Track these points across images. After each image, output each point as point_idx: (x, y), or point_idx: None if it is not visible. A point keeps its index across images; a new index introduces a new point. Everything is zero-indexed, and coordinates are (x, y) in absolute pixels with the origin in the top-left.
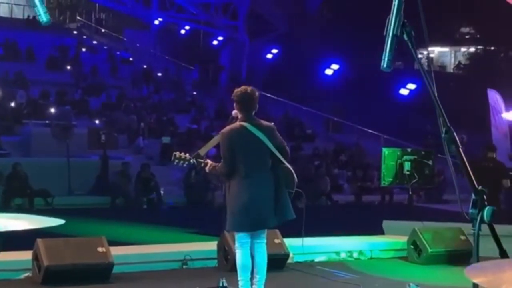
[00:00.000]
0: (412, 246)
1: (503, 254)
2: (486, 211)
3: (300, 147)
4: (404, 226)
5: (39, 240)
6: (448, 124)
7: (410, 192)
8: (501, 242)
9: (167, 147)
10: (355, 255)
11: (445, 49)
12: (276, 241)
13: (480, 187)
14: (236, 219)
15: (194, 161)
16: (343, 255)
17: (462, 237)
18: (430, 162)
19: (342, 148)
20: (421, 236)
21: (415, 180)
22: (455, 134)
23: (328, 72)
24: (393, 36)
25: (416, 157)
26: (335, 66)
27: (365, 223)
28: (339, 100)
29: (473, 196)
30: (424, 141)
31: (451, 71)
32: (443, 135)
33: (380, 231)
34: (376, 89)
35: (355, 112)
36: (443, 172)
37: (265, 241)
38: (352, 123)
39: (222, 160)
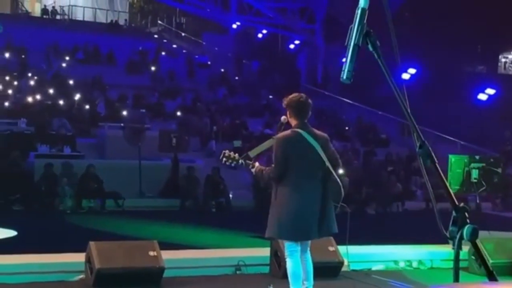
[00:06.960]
0: (473, 257)
1: (490, 276)
2: (466, 230)
3: (373, 152)
4: None
5: (91, 243)
6: (423, 139)
7: (478, 201)
8: (487, 262)
9: (238, 151)
10: (414, 264)
11: None
12: (330, 248)
13: (461, 205)
14: (283, 226)
15: (243, 161)
16: (401, 264)
17: None
18: (499, 170)
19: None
20: (482, 247)
21: (483, 188)
22: (430, 148)
23: (405, 76)
24: (355, 46)
25: (484, 164)
26: (412, 71)
27: (435, 230)
28: (416, 105)
29: (453, 214)
30: (503, 147)
31: None
32: (417, 149)
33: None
34: (454, 94)
35: (432, 117)
36: None
37: (308, 249)
38: (428, 128)
39: (273, 165)
